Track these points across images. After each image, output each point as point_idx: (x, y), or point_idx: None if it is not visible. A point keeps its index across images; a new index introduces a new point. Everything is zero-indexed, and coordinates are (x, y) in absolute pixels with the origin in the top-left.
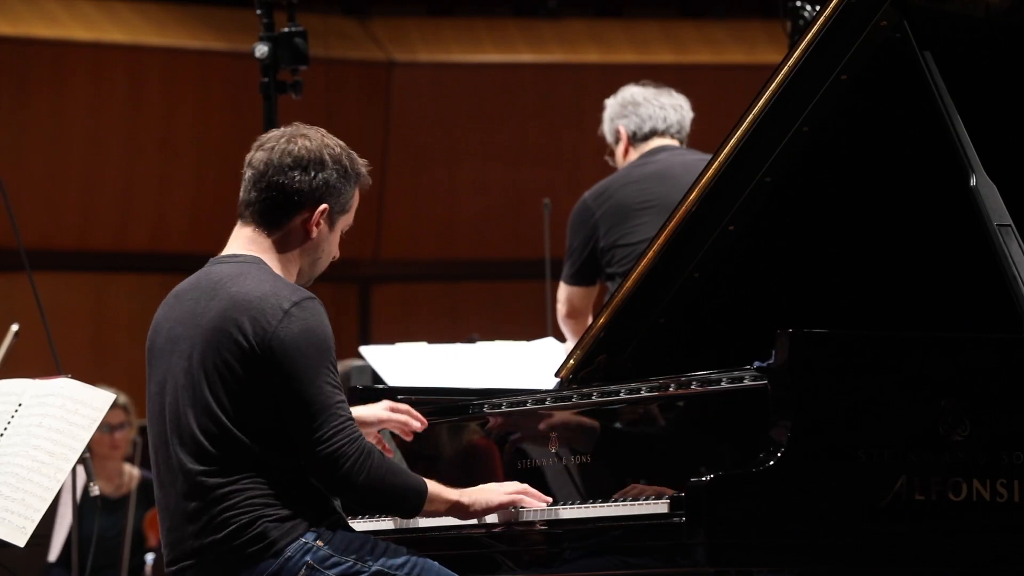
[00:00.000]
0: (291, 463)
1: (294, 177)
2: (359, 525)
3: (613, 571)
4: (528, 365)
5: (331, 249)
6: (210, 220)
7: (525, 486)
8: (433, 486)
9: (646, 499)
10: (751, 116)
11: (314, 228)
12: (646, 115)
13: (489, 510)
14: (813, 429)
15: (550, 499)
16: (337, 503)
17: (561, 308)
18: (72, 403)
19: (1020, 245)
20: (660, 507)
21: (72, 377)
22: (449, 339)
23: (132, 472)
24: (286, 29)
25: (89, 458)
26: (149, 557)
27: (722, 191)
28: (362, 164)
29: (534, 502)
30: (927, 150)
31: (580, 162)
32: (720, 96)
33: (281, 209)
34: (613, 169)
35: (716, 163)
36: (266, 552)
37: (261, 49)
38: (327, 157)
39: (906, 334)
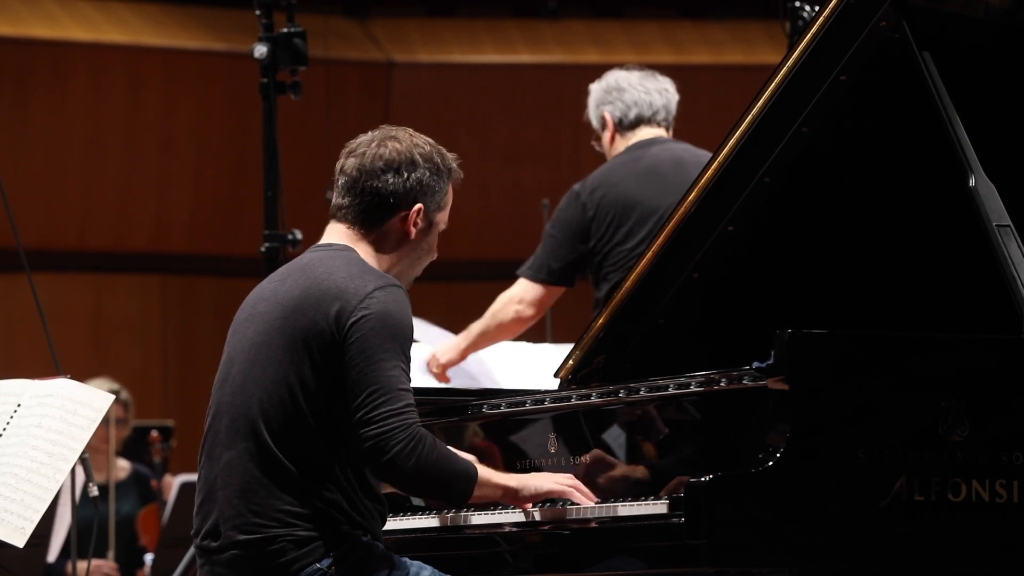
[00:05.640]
0: (332, 468)
1: (387, 180)
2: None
3: (613, 571)
4: (528, 365)
5: (430, 248)
6: (210, 220)
7: (576, 480)
8: (483, 471)
9: (645, 499)
10: (750, 116)
11: (412, 228)
12: (631, 101)
13: (538, 496)
14: (813, 429)
15: (596, 498)
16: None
17: (526, 310)
18: (71, 404)
19: (1019, 245)
20: (660, 507)
21: (71, 377)
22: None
23: (122, 464)
24: (285, 30)
25: (88, 458)
26: (148, 558)
27: (721, 191)
28: (452, 159)
29: (583, 498)
30: (926, 150)
31: (580, 162)
32: (719, 96)
33: (377, 212)
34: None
35: (715, 163)
36: (281, 572)
37: (260, 50)
38: (418, 157)
39: (906, 334)
